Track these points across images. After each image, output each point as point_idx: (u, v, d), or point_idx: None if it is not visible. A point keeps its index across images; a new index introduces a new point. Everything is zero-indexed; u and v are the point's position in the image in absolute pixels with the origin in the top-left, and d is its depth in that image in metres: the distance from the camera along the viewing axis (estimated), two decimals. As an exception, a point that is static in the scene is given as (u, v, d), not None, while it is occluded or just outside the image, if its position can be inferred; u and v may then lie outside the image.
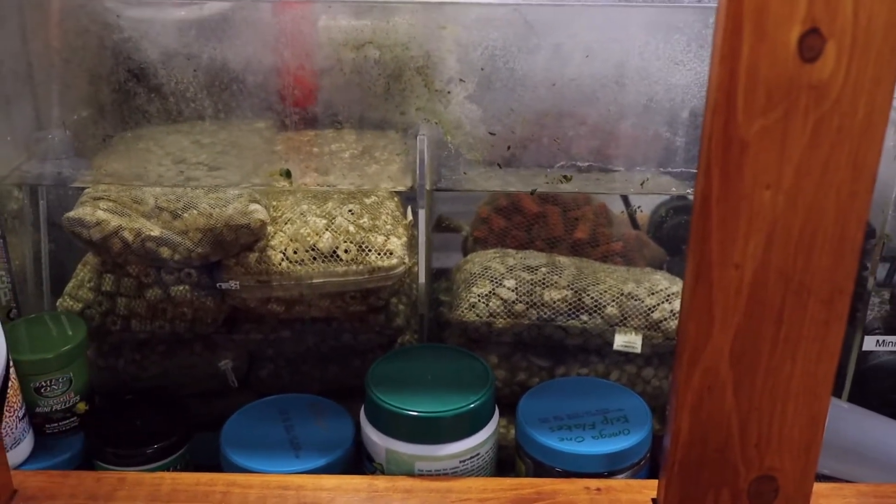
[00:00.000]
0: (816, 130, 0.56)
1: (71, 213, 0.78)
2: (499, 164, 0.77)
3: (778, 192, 0.58)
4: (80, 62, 0.75)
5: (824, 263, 0.60)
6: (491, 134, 0.75)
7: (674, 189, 0.80)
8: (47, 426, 0.79)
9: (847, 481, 0.77)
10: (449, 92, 0.74)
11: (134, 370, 0.86)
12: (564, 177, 0.77)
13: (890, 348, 0.84)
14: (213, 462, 0.78)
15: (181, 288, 0.81)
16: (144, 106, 0.75)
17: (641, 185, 0.78)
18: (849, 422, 0.78)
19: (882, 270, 0.91)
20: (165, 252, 0.79)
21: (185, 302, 0.81)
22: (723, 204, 0.58)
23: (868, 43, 0.54)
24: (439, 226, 0.99)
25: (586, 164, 0.77)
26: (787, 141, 0.56)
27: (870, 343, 0.83)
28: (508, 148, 0.76)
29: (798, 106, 0.55)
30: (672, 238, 0.99)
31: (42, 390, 0.77)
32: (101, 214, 0.78)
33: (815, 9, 0.53)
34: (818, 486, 0.69)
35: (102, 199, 0.80)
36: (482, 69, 0.73)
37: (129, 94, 0.75)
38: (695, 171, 0.77)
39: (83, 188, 0.82)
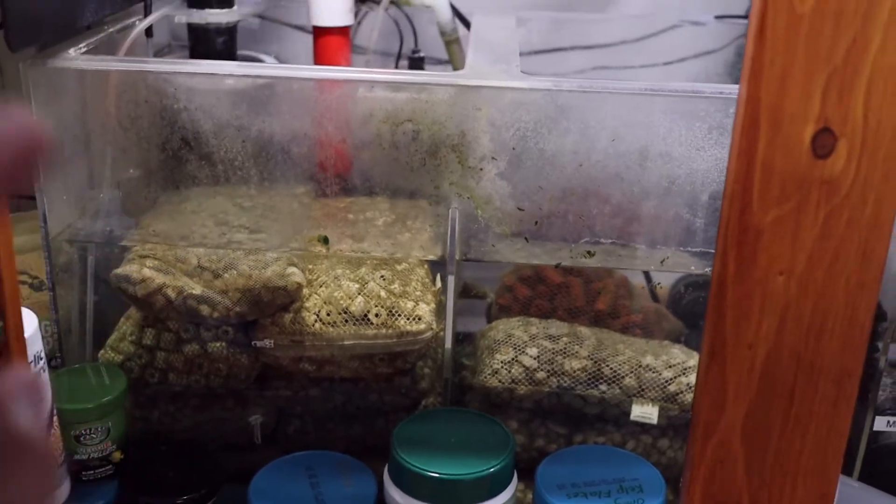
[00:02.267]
0: (827, 222, 0.59)
1: (119, 270, 0.83)
2: (526, 238, 0.81)
3: (790, 278, 0.61)
4: (136, 130, 0.79)
5: (834, 347, 0.63)
6: (520, 209, 0.79)
7: (693, 267, 0.83)
8: (84, 473, 0.82)
9: (856, 559, 0.78)
10: (481, 169, 0.78)
11: (168, 422, 0.89)
12: (588, 252, 0.81)
13: (900, 429, 0.86)
14: (241, 515, 0.81)
15: (218, 344, 0.85)
16: (195, 172, 0.80)
17: (662, 262, 0.81)
18: (859, 501, 0.80)
19: (892, 352, 0.93)
20: (205, 310, 0.83)
21: (220, 358, 0.85)
22: (738, 287, 0.62)
23: (877, 143, 0.58)
24: (464, 292, 1.03)
25: (609, 240, 0.80)
26: (799, 231, 0.60)
27: (881, 423, 0.85)
28: (536, 223, 0.80)
29: (810, 199, 0.59)
30: (690, 312, 1.02)
31: (81, 438, 0.80)
32: (147, 272, 0.82)
33: (828, 109, 0.57)
34: (827, 563, 0.71)
35: (148, 257, 0.84)
36: (513, 148, 0.77)
37: (181, 160, 0.80)
38: (713, 251, 0.81)
39: (129, 246, 0.87)
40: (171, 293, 0.82)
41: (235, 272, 0.84)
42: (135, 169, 0.84)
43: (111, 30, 0.90)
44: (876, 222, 0.60)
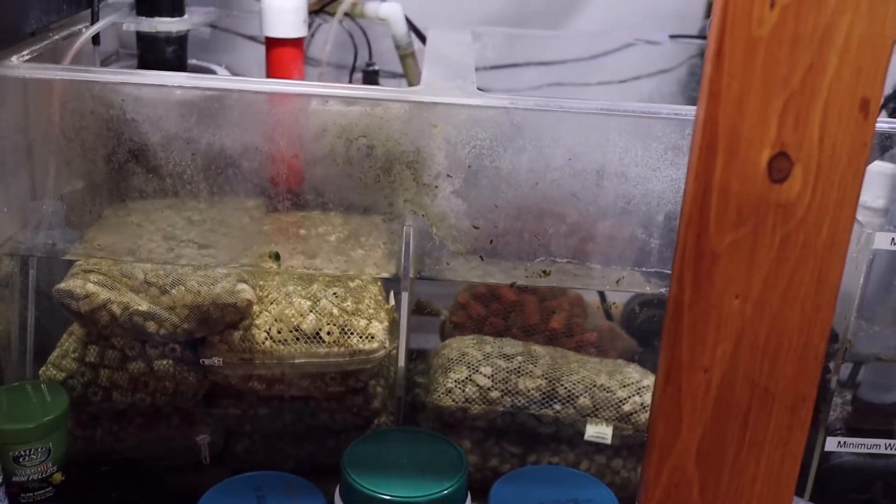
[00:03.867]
0: (783, 246, 0.59)
1: (61, 285, 0.80)
2: (481, 257, 0.80)
3: (746, 302, 0.61)
4: (81, 141, 0.77)
5: (789, 371, 0.63)
6: (475, 227, 0.78)
7: (648, 288, 0.83)
8: (23, 496, 0.79)
9: (807, 580, 0.78)
10: (436, 186, 0.77)
11: (112, 441, 0.87)
12: (544, 271, 0.80)
13: (851, 449, 0.87)
14: (186, 537, 0.79)
15: (165, 362, 0.82)
16: (142, 185, 0.78)
17: (617, 282, 0.81)
18: (810, 521, 0.80)
19: (845, 372, 0.94)
20: (152, 326, 0.81)
21: (167, 376, 0.83)
22: (694, 310, 0.61)
23: (832, 167, 0.58)
24: (418, 309, 1.01)
25: (565, 259, 0.80)
26: (755, 254, 0.60)
27: (832, 444, 0.86)
28: (491, 241, 0.79)
29: (766, 222, 0.59)
30: (644, 331, 1.02)
31: (20, 459, 0.78)
32: (90, 287, 0.80)
33: (784, 134, 0.57)
34: (779, 586, 0.71)
35: (93, 271, 0.82)
36: (469, 166, 0.76)
37: (128, 172, 0.77)
38: (667, 271, 0.81)
39: (73, 260, 0.84)
40: (117, 309, 0.80)
41: (183, 288, 0.81)
42: (79, 181, 0.81)
43: (56, 37, 0.88)
44: (831, 246, 0.60)
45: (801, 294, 0.61)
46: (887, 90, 1.01)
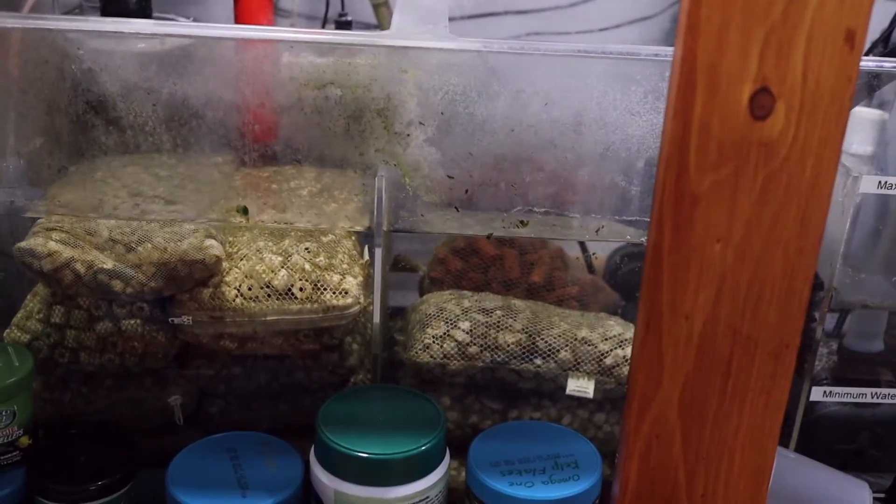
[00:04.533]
0: (766, 187, 0.57)
1: (22, 244, 0.77)
2: (456, 208, 0.77)
3: (728, 246, 0.59)
4: (37, 93, 0.74)
5: (772, 317, 0.61)
6: (449, 177, 0.76)
7: (628, 237, 0.80)
8: (-12, 460, 0.77)
9: (792, 531, 0.77)
10: (408, 135, 0.74)
11: (80, 404, 0.85)
12: (521, 221, 0.78)
13: (837, 399, 0.85)
14: (160, 500, 0.77)
15: (132, 322, 0.80)
16: (102, 138, 0.75)
17: (597, 231, 0.79)
18: (795, 472, 0.78)
19: (831, 321, 0.92)
20: (118, 285, 0.78)
21: (135, 336, 0.80)
22: (674, 256, 0.59)
23: (816, 104, 0.55)
24: (396, 265, 0.99)
25: (543, 209, 0.77)
26: (737, 196, 0.57)
27: (817, 394, 0.84)
28: (466, 191, 0.76)
29: (748, 162, 0.57)
30: (627, 284, 1.00)
31: (-16, 423, 0.75)
32: (52, 245, 0.77)
33: (766, 69, 0.54)
34: (764, 537, 0.70)
35: (55, 229, 0.79)
36: (442, 113, 0.74)
37: (87, 125, 0.74)
38: (648, 219, 0.78)
39: (36, 218, 0.81)
40: (81, 268, 0.77)
41: (150, 245, 0.79)
42: (39, 136, 0.78)
43: (14, -13, 0.84)
44: (815, 187, 0.58)
45: (785, 237, 0.59)
46: (874, 29, 0.98)
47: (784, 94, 0.55)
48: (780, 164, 0.57)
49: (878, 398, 0.85)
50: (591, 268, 1.00)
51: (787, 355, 0.62)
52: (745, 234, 0.59)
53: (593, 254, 0.97)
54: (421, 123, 0.74)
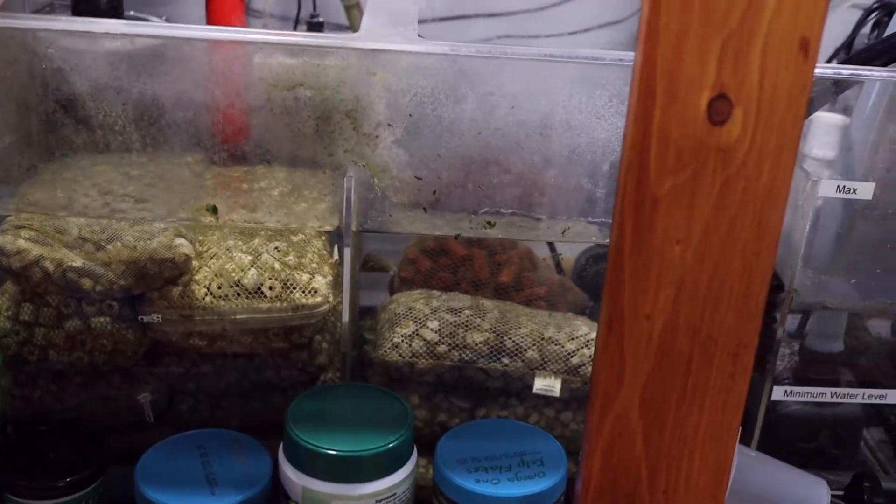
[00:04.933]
0: (723, 191, 0.59)
1: (-9, 241, 0.77)
2: (424, 208, 0.78)
3: (687, 248, 0.60)
4: (7, 91, 0.74)
5: (730, 318, 0.62)
6: (417, 178, 0.77)
7: (594, 238, 0.82)
8: (-44, 457, 0.77)
9: (752, 528, 0.79)
10: (377, 136, 0.75)
11: (50, 401, 0.85)
12: (489, 222, 0.79)
13: (798, 399, 0.87)
14: (129, 497, 0.78)
15: (102, 319, 0.80)
16: (71, 137, 0.75)
17: (563, 233, 0.80)
18: (754, 469, 0.80)
19: (793, 322, 0.94)
20: (87, 283, 0.78)
21: (105, 334, 0.81)
22: (635, 257, 0.60)
23: (772, 109, 0.57)
24: (366, 265, 1.00)
25: (510, 210, 0.78)
26: (696, 200, 0.59)
27: (778, 393, 0.86)
28: (434, 192, 0.77)
29: (707, 167, 0.58)
30: (594, 284, 1.01)
31: (-48, 420, 0.76)
32: (21, 243, 0.77)
33: (724, 76, 0.55)
34: (724, 533, 0.71)
35: (24, 227, 0.79)
36: (410, 115, 0.74)
37: (57, 124, 0.75)
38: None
39: (5, 216, 0.82)
40: (50, 266, 0.78)
41: (119, 244, 0.79)
42: (8, 134, 0.78)
43: (-16, -15, 0.84)
44: (771, 191, 0.59)
45: (742, 240, 0.60)
46: (837, 36, 1.00)
47: (741, 101, 0.56)
48: (738, 168, 0.58)
49: (838, 398, 0.87)
50: (559, 268, 1.01)
51: (746, 355, 0.63)
52: (704, 237, 0.60)
53: (560, 255, 0.98)
54: (389, 125, 0.75)
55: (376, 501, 0.75)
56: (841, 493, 0.85)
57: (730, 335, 0.63)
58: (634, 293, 0.62)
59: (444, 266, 0.95)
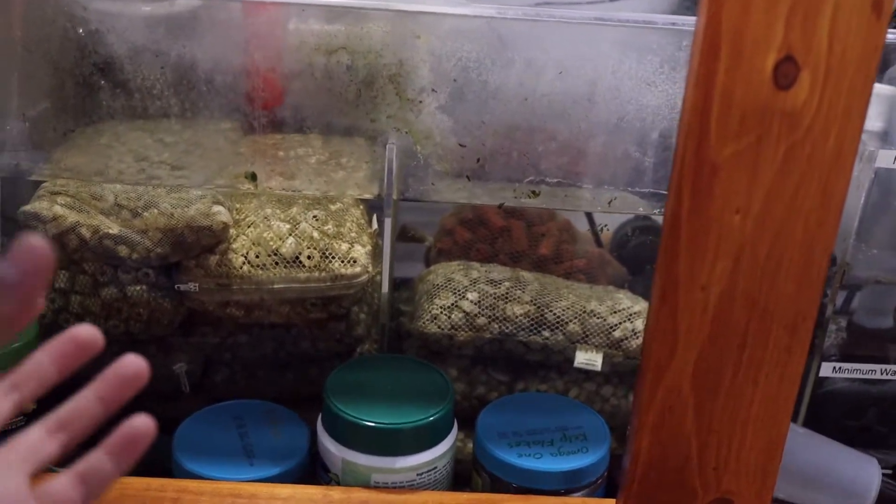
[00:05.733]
0: (788, 157, 0.56)
1: (27, 207, 0.76)
2: (467, 177, 0.76)
3: (747, 217, 0.58)
4: (43, 53, 0.73)
5: (789, 289, 0.60)
6: (461, 146, 0.75)
7: (641, 209, 0.80)
8: (-8, 426, 0.76)
9: (800, 506, 0.77)
10: (421, 101, 0.73)
11: (85, 370, 0.83)
12: (533, 192, 0.77)
13: (845, 375, 0.85)
14: (165, 467, 0.77)
15: (138, 288, 0.79)
16: (108, 101, 0.74)
17: (609, 203, 0.78)
18: (803, 446, 0.78)
19: (840, 298, 0.92)
20: (123, 251, 0.77)
21: (141, 302, 0.80)
22: (692, 225, 0.58)
23: (841, 73, 0.54)
24: (402, 235, 0.98)
25: (555, 180, 0.76)
26: (758, 166, 0.57)
27: (826, 369, 0.84)
28: (478, 160, 0.75)
29: (771, 132, 0.56)
30: (634, 257, 0.99)
31: (-11, 388, 0.74)
32: (58, 210, 0.76)
33: (792, 37, 0.53)
34: (773, 511, 0.70)
35: (60, 193, 0.78)
36: (455, 80, 0.72)
37: (93, 88, 0.73)
38: (662, 192, 0.78)
39: (40, 182, 0.80)
40: (86, 232, 0.76)
41: (156, 211, 0.78)
42: (44, 99, 0.77)
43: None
44: (837, 157, 0.57)
45: (805, 208, 0.58)
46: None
47: (809, 63, 0.54)
48: (803, 134, 0.56)
49: (886, 374, 0.85)
50: (598, 241, 0.99)
51: (804, 328, 0.62)
52: (765, 205, 0.58)
53: (604, 226, 0.96)
54: (433, 90, 0.73)
55: (417, 475, 0.74)
56: (890, 471, 0.83)
57: (788, 307, 0.61)
58: (690, 263, 0.60)
59: (481, 237, 0.93)
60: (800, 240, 0.59)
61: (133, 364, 0.44)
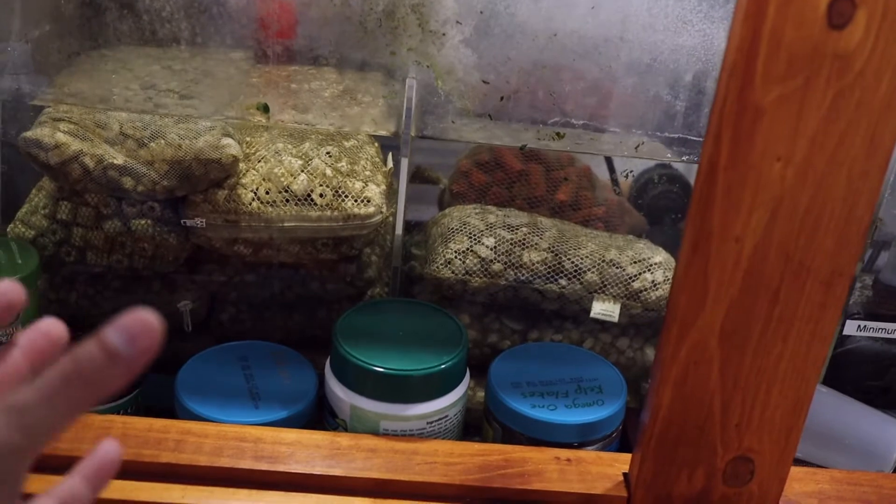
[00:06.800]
0: (836, 103, 0.53)
1: (28, 133, 0.73)
2: (489, 116, 0.73)
3: (788, 165, 0.55)
4: (47, -31, 0.69)
5: (828, 244, 0.57)
6: (485, 82, 0.71)
7: (668, 155, 0.76)
8: (-9, 358, 0.74)
9: (819, 466, 0.75)
10: (444, 34, 0.69)
11: (87, 305, 0.81)
12: (557, 134, 0.74)
13: (871, 334, 0.82)
14: (167, 406, 0.75)
15: (143, 222, 0.76)
16: (115, 23, 0.70)
17: (636, 148, 0.75)
18: (825, 405, 0.76)
19: (865, 255, 0.89)
20: (128, 182, 0.74)
21: (146, 237, 0.77)
22: (730, 173, 0.55)
23: (900, 14, 0.51)
24: (416, 177, 0.95)
25: (581, 122, 0.73)
26: (804, 112, 0.53)
27: (851, 328, 0.82)
28: (501, 98, 0.72)
29: (820, 75, 0.52)
30: (654, 207, 0.97)
31: (-13, 320, 0.72)
32: (60, 137, 0.73)
33: (849, -28, 0.50)
34: (793, 471, 0.68)
35: (63, 120, 0.75)
36: (481, 12, 0.69)
37: (99, 8, 0.69)
38: (692, 137, 0.74)
39: (43, 107, 0.77)
40: (89, 162, 0.73)
41: (163, 141, 0.75)
42: (47, 19, 0.73)
43: None
44: (889, 105, 0.53)
45: (850, 158, 0.55)
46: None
47: (866, 2, 0.51)
48: (854, 78, 0.53)
49: (912, 335, 0.82)
50: (616, 188, 0.96)
51: (840, 284, 0.59)
52: (808, 153, 0.55)
53: (630, 172, 0.93)
54: (458, 22, 0.69)
55: (427, 423, 0.72)
56: (911, 434, 0.81)
57: (825, 262, 0.58)
58: (725, 212, 0.57)
59: (498, 181, 0.90)
60: (842, 191, 0.56)
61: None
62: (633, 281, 0.81)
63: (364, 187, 0.77)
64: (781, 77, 0.52)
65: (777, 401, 0.63)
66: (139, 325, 0.35)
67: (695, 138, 0.72)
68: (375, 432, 0.71)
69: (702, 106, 0.70)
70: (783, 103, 0.53)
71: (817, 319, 0.60)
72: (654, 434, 0.64)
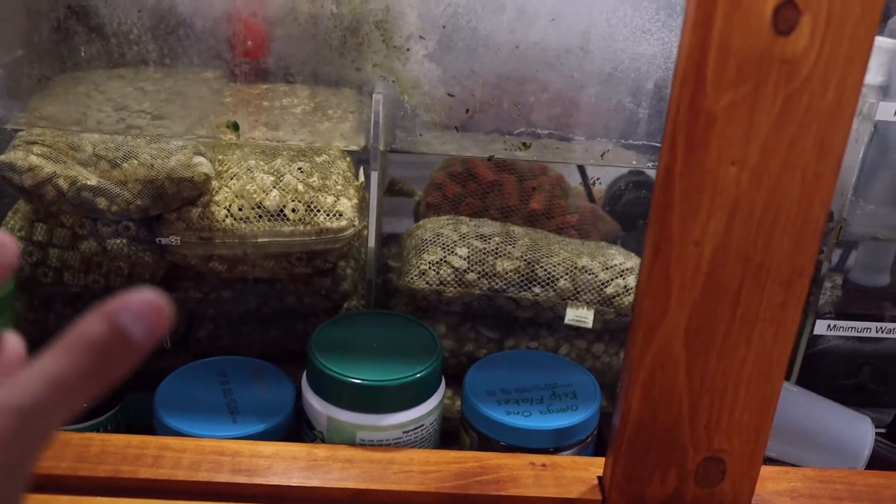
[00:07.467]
0: (785, 108, 0.54)
1: (2, 157, 0.74)
2: (456, 128, 0.74)
3: (743, 169, 0.56)
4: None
5: (785, 245, 0.59)
6: (450, 95, 0.72)
7: (634, 162, 0.78)
8: (-30, 381, 0.74)
9: (792, 465, 0.76)
10: (408, 49, 0.71)
11: (65, 326, 0.82)
12: (524, 144, 0.75)
13: (841, 333, 0.84)
14: (147, 424, 0.75)
15: (118, 241, 0.77)
16: (84, 47, 0.71)
17: (602, 156, 0.76)
18: (796, 405, 0.77)
19: (834, 255, 0.90)
20: (102, 203, 0.75)
21: (121, 256, 0.78)
22: (686, 178, 0.57)
23: (843, 20, 0.52)
24: (391, 189, 0.96)
25: (546, 131, 0.74)
26: (755, 117, 0.55)
27: (821, 327, 0.83)
28: (467, 111, 0.73)
29: (768, 81, 0.54)
30: (627, 213, 0.98)
31: (-35, 343, 0.73)
32: (34, 160, 0.74)
33: (793, -21, 0.51)
34: (764, 470, 0.69)
35: (36, 143, 0.76)
36: (443, 27, 0.70)
37: (69, 33, 0.71)
38: (656, 144, 0.76)
39: (16, 131, 0.78)
40: (63, 184, 0.74)
41: (136, 161, 0.76)
42: (18, 45, 0.74)
43: None
44: (837, 109, 0.55)
45: (802, 161, 0.56)
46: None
47: (810, 8, 0.52)
48: (802, 83, 0.54)
49: (882, 332, 0.83)
50: (591, 196, 0.97)
51: (800, 284, 0.60)
52: (762, 157, 0.56)
53: (597, 180, 0.94)
54: (421, 38, 0.70)
55: (403, 432, 0.73)
56: (884, 430, 0.82)
57: (784, 263, 0.59)
58: (684, 217, 0.58)
59: (472, 192, 0.91)
60: (796, 194, 0.57)
61: None
62: (606, 287, 0.82)
63: (336, 201, 0.78)
64: (731, 83, 0.54)
65: (744, 401, 0.64)
66: (147, 305, 0.31)
67: (657, 145, 0.73)
68: (352, 443, 0.72)
69: (664, 113, 0.71)
70: (734, 109, 0.54)
71: (779, 319, 0.61)
72: (626, 437, 0.65)
